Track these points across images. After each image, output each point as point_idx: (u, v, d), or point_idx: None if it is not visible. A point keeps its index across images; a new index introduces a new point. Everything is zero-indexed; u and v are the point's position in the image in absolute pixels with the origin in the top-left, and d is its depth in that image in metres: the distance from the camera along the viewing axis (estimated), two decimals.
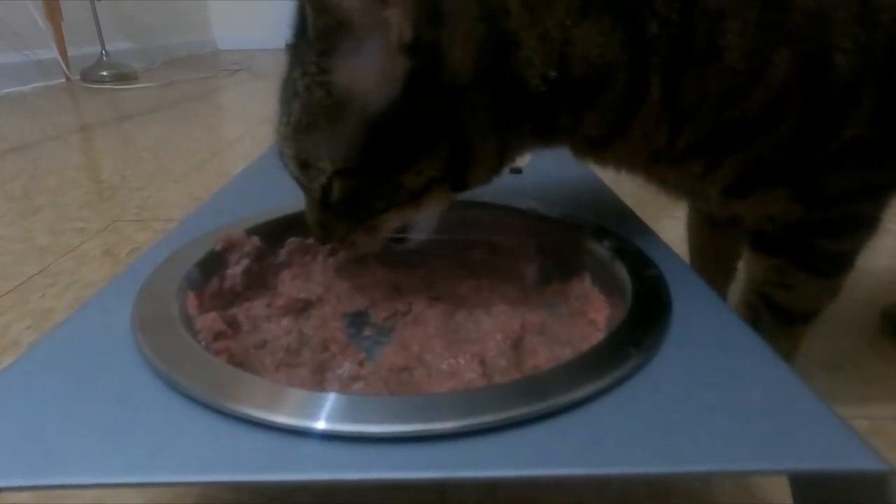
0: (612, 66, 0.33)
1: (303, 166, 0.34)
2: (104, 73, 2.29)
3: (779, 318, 0.44)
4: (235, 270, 0.39)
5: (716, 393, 0.25)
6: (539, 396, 0.24)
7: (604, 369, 0.26)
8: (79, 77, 2.28)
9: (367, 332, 0.38)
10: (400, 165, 0.33)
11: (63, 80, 2.26)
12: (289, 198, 0.44)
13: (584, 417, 0.24)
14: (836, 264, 0.42)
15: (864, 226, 0.40)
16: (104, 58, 2.35)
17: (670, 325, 0.30)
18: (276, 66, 0.36)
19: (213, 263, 0.38)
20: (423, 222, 0.38)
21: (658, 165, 0.39)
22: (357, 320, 0.39)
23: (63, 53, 2.25)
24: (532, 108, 0.34)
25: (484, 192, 0.38)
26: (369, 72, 0.31)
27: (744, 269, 0.47)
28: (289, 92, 0.33)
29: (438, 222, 0.39)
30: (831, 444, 0.22)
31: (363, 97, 0.31)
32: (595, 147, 0.39)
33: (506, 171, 0.38)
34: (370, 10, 0.29)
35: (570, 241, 0.42)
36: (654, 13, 0.32)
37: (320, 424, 0.23)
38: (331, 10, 0.29)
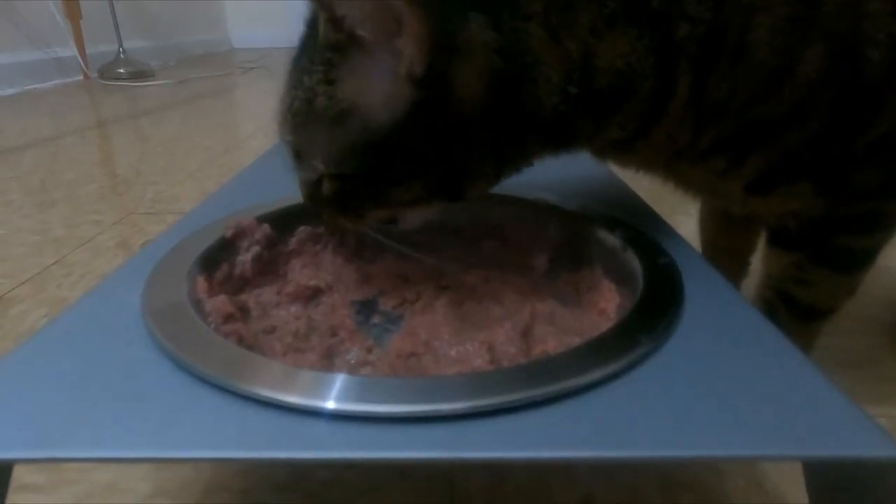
0: (639, 72, 0.32)
1: (297, 156, 0.34)
2: (121, 71, 2.32)
3: (796, 315, 0.43)
4: (245, 257, 0.39)
5: (728, 379, 0.25)
6: (548, 379, 0.24)
7: (614, 354, 0.25)
8: (96, 74, 2.32)
9: (375, 319, 0.38)
10: (392, 180, 0.33)
11: (81, 77, 2.30)
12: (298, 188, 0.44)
13: (594, 401, 0.24)
14: (857, 261, 0.41)
15: (887, 223, 0.39)
16: (121, 55, 2.38)
17: (682, 312, 0.30)
18: None
19: (223, 250, 0.38)
20: (417, 217, 0.37)
21: (679, 164, 0.39)
22: (366, 308, 0.39)
23: (81, 51, 2.28)
24: (546, 124, 0.33)
25: None
26: (374, 92, 0.30)
27: (758, 264, 0.46)
28: (296, 77, 0.33)
29: (436, 216, 0.38)
30: (847, 430, 0.22)
31: (365, 114, 0.31)
32: (616, 149, 0.38)
33: None
34: (384, 34, 0.28)
35: (581, 232, 0.41)
36: (683, 15, 0.31)
37: (330, 404, 0.23)
38: (344, 27, 0.29)
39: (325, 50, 0.30)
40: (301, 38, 0.34)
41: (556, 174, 0.51)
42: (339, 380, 0.24)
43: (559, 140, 0.36)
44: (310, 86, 0.31)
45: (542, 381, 0.24)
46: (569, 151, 0.38)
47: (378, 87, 0.30)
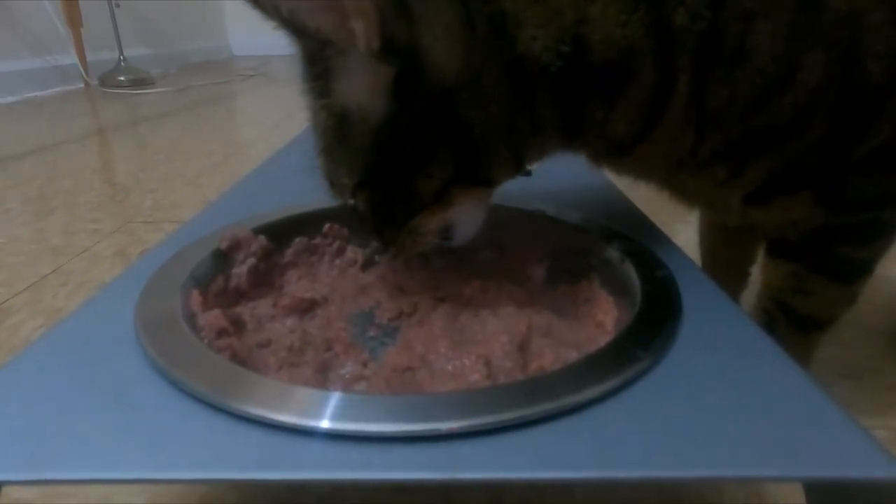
0: (638, 51, 0.32)
1: (331, 185, 0.35)
2: (122, 78, 2.33)
3: (795, 325, 0.43)
4: (241, 269, 0.39)
5: (727, 396, 0.24)
6: (545, 397, 0.23)
7: (611, 371, 0.25)
8: (97, 82, 2.32)
9: (371, 332, 0.38)
10: (409, 172, 0.32)
11: (82, 85, 2.30)
12: (296, 198, 0.44)
13: (591, 419, 0.23)
14: (856, 271, 0.41)
15: (886, 233, 0.39)
16: (122, 63, 2.39)
17: (680, 326, 0.29)
18: (291, 72, 0.35)
19: (218, 262, 0.38)
20: (466, 222, 0.37)
21: (679, 173, 0.38)
22: (362, 321, 0.38)
23: (82, 59, 2.29)
24: (549, 92, 0.32)
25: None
26: (359, 86, 0.30)
27: (758, 275, 0.46)
28: (308, 110, 0.34)
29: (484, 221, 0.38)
30: (848, 450, 0.21)
31: (361, 112, 0.31)
32: (617, 152, 0.38)
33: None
34: (340, 23, 0.28)
35: (578, 243, 0.41)
36: (681, 1, 0.31)
37: (324, 423, 0.23)
38: (309, 32, 0.29)
39: (309, 66, 0.31)
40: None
41: (554, 185, 0.51)
42: (334, 398, 0.24)
43: (569, 121, 0.35)
44: (313, 108, 0.32)
45: (540, 399, 0.23)
46: (578, 143, 0.37)
47: (359, 81, 0.30)
